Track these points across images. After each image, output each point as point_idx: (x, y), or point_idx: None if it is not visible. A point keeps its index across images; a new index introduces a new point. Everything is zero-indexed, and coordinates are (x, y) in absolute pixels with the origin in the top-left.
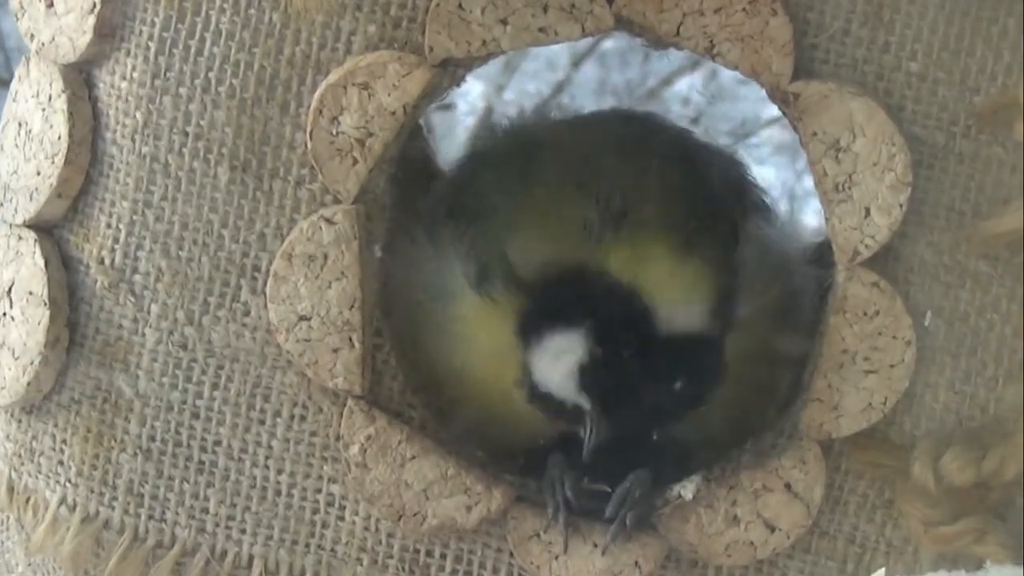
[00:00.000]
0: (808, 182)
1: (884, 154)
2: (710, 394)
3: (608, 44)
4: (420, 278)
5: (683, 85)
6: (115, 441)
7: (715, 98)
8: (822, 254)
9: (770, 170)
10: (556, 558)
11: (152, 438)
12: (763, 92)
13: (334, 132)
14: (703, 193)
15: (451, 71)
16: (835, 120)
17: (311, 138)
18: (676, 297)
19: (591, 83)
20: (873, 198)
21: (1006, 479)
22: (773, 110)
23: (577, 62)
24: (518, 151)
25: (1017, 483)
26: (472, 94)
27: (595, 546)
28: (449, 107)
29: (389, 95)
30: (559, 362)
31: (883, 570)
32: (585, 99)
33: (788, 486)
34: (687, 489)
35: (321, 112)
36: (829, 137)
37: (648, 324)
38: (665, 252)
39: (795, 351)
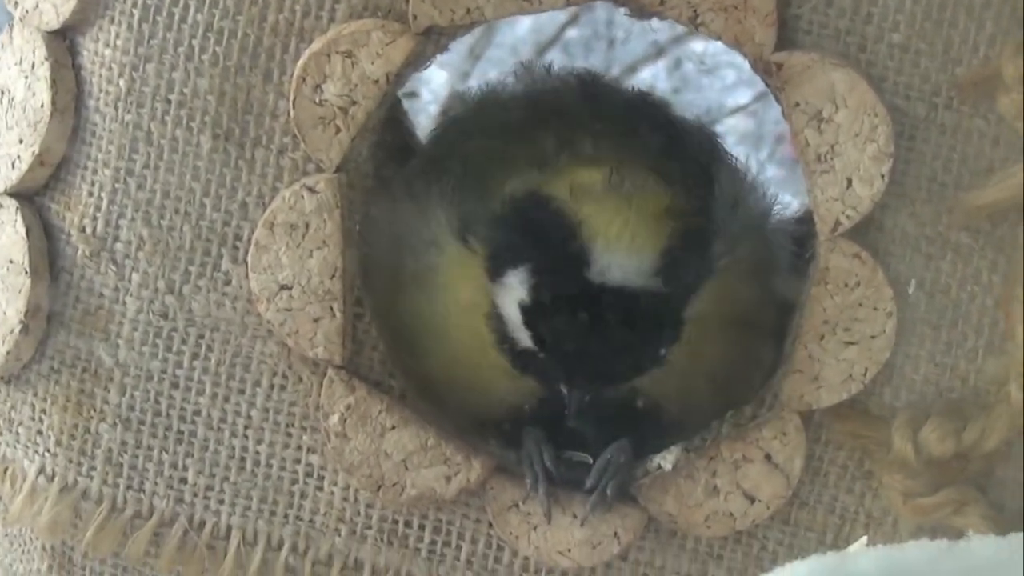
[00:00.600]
0: (770, 171)
1: (866, 125)
2: (656, 353)
3: (573, 32)
4: (400, 238)
5: (647, 74)
6: (94, 411)
7: (679, 87)
8: (803, 225)
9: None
10: (535, 529)
11: (131, 408)
12: (728, 81)
13: (317, 100)
14: (668, 149)
15: (435, 39)
16: (817, 91)
17: (294, 106)
18: (616, 242)
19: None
20: (855, 169)
21: (986, 450)
22: (737, 99)
23: (542, 50)
24: (490, 106)
25: (997, 454)
26: (436, 82)
27: (574, 517)
28: (413, 95)
29: (372, 63)
30: (510, 302)
31: (864, 539)
32: None
33: (768, 457)
34: (667, 460)
35: (304, 80)
36: (811, 108)
37: (585, 266)
38: (611, 192)
39: (777, 322)
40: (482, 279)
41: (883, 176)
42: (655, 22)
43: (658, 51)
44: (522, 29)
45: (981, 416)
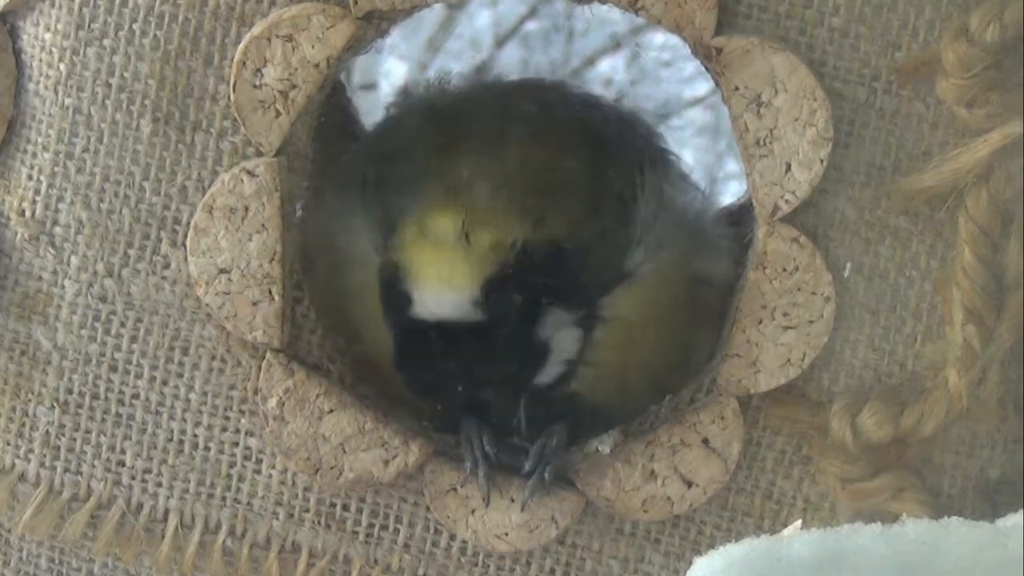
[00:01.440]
0: (729, 164)
1: (805, 109)
2: (523, 374)
3: (531, 25)
4: (335, 236)
5: (605, 66)
6: (32, 394)
7: (637, 79)
8: (743, 211)
9: (690, 152)
10: (473, 512)
11: (70, 391)
12: (685, 73)
13: (257, 84)
14: (547, 176)
15: (376, 23)
16: (757, 75)
17: (234, 90)
18: (433, 281)
19: (514, 63)
20: (794, 153)
21: (924, 435)
22: (695, 91)
23: (500, 42)
24: (423, 120)
25: (935, 439)
26: (395, 74)
27: (512, 501)
28: (372, 87)
29: (313, 47)
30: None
31: (798, 523)
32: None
33: (706, 441)
34: (604, 444)
35: (244, 64)
36: (751, 92)
37: (409, 306)
38: (438, 227)
39: (715, 307)
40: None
41: (822, 160)
42: (615, 14)
43: (616, 43)
44: (481, 21)
45: (919, 401)
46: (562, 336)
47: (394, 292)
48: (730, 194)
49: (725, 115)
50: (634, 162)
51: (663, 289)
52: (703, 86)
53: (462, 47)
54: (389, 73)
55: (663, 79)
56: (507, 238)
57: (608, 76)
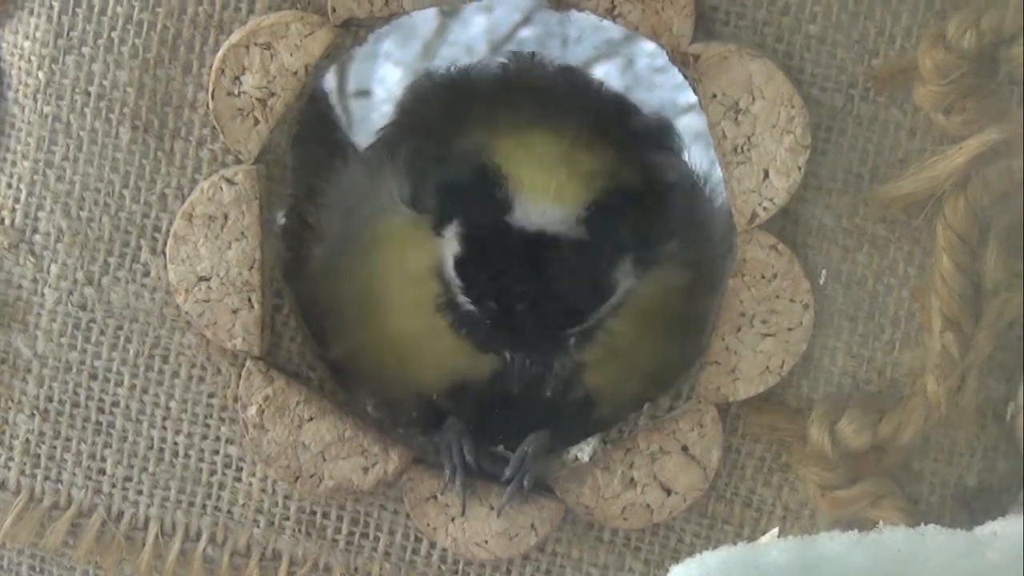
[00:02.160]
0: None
1: (783, 116)
2: (588, 308)
3: (526, 31)
4: (349, 211)
5: (599, 72)
6: (12, 402)
7: (631, 85)
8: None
9: (685, 157)
10: (453, 520)
11: (50, 399)
12: (679, 80)
13: (236, 92)
14: (604, 123)
15: (353, 31)
16: (734, 82)
17: (213, 98)
18: (540, 191)
19: None
20: (771, 160)
21: (902, 443)
22: (689, 97)
23: (495, 48)
24: (448, 88)
25: (913, 447)
26: (390, 81)
27: (492, 508)
28: (366, 94)
29: (291, 55)
30: (448, 257)
31: (775, 530)
32: None
33: (685, 449)
34: (584, 451)
35: (223, 72)
36: (728, 99)
37: (508, 213)
38: (538, 146)
39: (698, 313)
40: (429, 245)
41: (800, 168)
42: (607, 21)
43: (611, 49)
44: (476, 28)
45: (897, 408)
46: (623, 282)
47: (487, 196)
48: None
49: None
50: (659, 154)
51: (675, 289)
52: None
53: (457, 54)
54: (384, 80)
55: (657, 85)
56: (606, 168)
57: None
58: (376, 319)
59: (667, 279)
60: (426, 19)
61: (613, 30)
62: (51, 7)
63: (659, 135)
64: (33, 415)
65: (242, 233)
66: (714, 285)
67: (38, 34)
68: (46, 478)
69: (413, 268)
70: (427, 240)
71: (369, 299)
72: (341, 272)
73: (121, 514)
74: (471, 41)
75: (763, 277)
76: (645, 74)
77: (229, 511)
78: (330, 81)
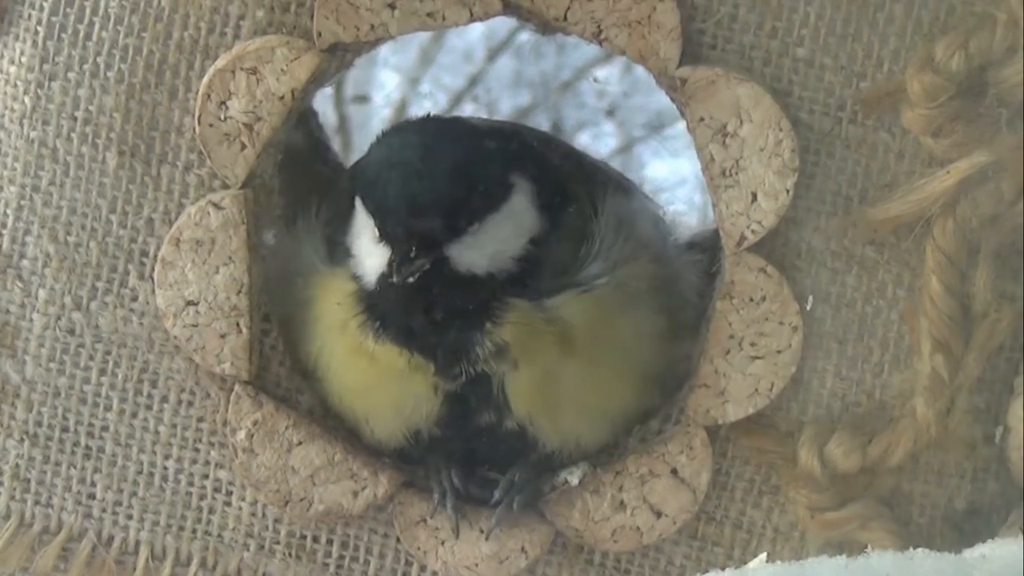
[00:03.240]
0: None
1: (771, 139)
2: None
3: (523, 36)
4: (286, 274)
5: (599, 77)
6: (1, 427)
7: (630, 91)
8: (709, 239)
9: (684, 163)
10: (443, 543)
11: (39, 424)
12: None
13: (222, 117)
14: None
15: (340, 55)
16: (722, 105)
17: (199, 123)
18: None
19: (506, 76)
20: (760, 183)
21: (892, 465)
22: None
23: (492, 55)
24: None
25: (903, 469)
26: (388, 87)
27: (481, 532)
28: (365, 100)
29: (277, 80)
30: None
31: (764, 555)
32: (500, 92)
33: (674, 472)
34: (573, 475)
35: (209, 97)
36: (716, 122)
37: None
38: None
39: (682, 334)
40: (348, 289)
41: (788, 190)
42: None
43: (608, 54)
44: (473, 34)
45: (887, 430)
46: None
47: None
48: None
49: None
50: (596, 186)
51: (620, 303)
52: None
53: (454, 60)
54: (383, 86)
55: (655, 90)
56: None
57: (600, 88)
58: (327, 376)
59: (593, 306)
60: None
61: None
62: (36, 32)
63: (605, 179)
64: (22, 440)
65: (230, 258)
66: (681, 297)
67: (24, 59)
68: (36, 503)
69: (339, 320)
70: (345, 285)
71: (319, 358)
72: (291, 329)
73: (111, 538)
74: (469, 47)
75: (752, 300)
76: (644, 78)
77: (219, 535)
78: (327, 87)
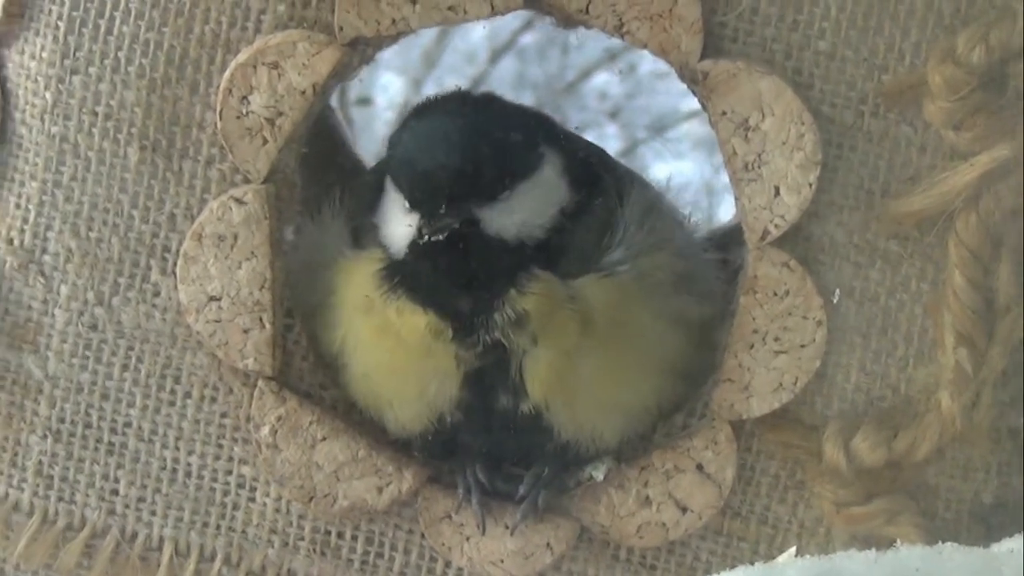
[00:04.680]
0: (725, 177)
1: (793, 133)
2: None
3: (527, 38)
4: (308, 267)
5: (601, 79)
6: (24, 423)
7: (633, 92)
8: (729, 235)
9: (688, 164)
10: (467, 539)
11: (62, 420)
12: (682, 86)
13: (244, 111)
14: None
15: (361, 50)
16: (744, 99)
17: (221, 117)
18: None
19: (510, 77)
20: (782, 177)
21: (917, 459)
22: (691, 104)
23: (496, 56)
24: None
25: (928, 463)
26: (391, 89)
27: (506, 528)
28: (368, 102)
29: (299, 74)
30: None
31: (793, 549)
32: (504, 93)
33: (700, 467)
34: (599, 470)
35: (231, 91)
36: (738, 116)
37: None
38: None
39: (705, 329)
40: (373, 270)
41: (811, 184)
42: None
43: (612, 56)
44: (476, 35)
45: (912, 425)
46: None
47: None
48: (727, 205)
49: None
50: (621, 176)
51: (640, 292)
52: None
53: (458, 61)
54: (386, 88)
55: (658, 92)
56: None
57: (603, 89)
58: (352, 361)
59: (615, 291)
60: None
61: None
62: (57, 27)
63: (626, 175)
64: (45, 436)
65: (252, 253)
66: (702, 292)
67: (44, 54)
68: (60, 499)
69: (366, 303)
70: (371, 268)
71: (343, 344)
72: (314, 322)
73: (135, 535)
74: (472, 48)
75: (775, 294)
76: (647, 80)
77: (243, 531)
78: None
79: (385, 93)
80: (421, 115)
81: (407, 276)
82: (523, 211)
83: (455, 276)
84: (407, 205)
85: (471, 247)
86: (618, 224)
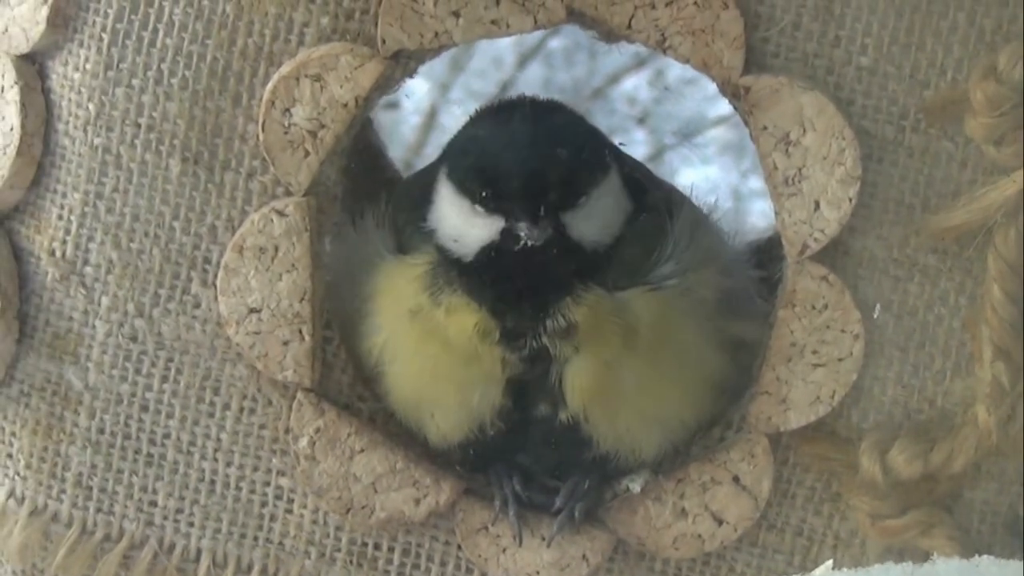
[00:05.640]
0: (753, 182)
1: (834, 148)
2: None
3: (554, 43)
4: (348, 273)
5: (629, 84)
6: (64, 434)
7: (661, 97)
8: (771, 249)
9: (715, 170)
10: (504, 551)
11: (101, 431)
12: (709, 92)
13: (286, 124)
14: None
15: (403, 63)
16: (785, 114)
17: (263, 130)
18: None
19: (537, 82)
20: (823, 192)
21: (953, 472)
22: (719, 110)
23: (523, 61)
24: None
25: (964, 476)
26: (418, 94)
27: (543, 539)
28: (395, 106)
29: (341, 87)
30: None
31: (830, 562)
32: None
33: (736, 479)
34: (635, 482)
35: (273, 104)
36: (779, 131)
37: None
38: None
39: (744, 344)
40: (417, 273)
41: (851, 199)
42: None
43: (640, 62)
44: (504, 41)
45: (948, 438)
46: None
47: None
48: (756, 212)
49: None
50: (670, 192)
51: (686, 308)
52: (727, 105)
53: (485, 66)
54: (413, 92)
55: (687, 97)
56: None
57: (631, 94)
58: (392, 368)
59: (661, 304)
60: None
61: None
62: (101, 39)
63: (673, 192)
64: (85, 447)
65: (293, 265)
66: (744, 309)
67: (88, 66)
68: (98, 510)
69: (414, 306)
70: (418, 276)
71: (383, 351)
72: (352, 331)
73: (173, 546)
74: (499, 53)
75: (814, 308)
76: (675, 86)
77: (281, 543)
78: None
79: (412, 97)
80: (492, 120)
81: (468, 277)
82: (599, 217)
83: (527, 280)
84: (484, 209)
85: (554, 253)
86: (668, 239)
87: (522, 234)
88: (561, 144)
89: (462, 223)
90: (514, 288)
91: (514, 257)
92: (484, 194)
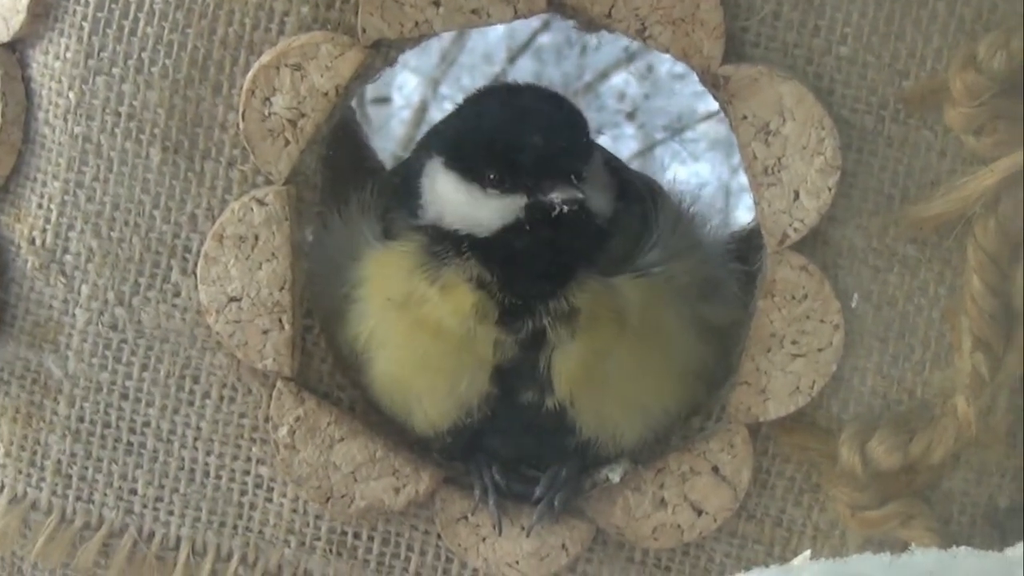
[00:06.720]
0: (743, 177)
1: (813, 137)
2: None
3: (544, 38)
4: (332, 261)
5: (618, 79)
6: (43, 422)
7: (650, 92)
8: (752, 239)
9: (705, 165)
10: (484, 540)
11: (81, 419)
12: (699, 87)
13: (266, 113)
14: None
15: (384, 52)
16: (765, 103)
17: (243, 119)
18: None
19: (528, 77)
20: (802, 181)
21: (933, 463)
22: (708, 105)
23: (513, 56)
24: None
25: (944, 467)
26: (408, 88)
27: (522, 529)
28: (385, 101)
29: (322, 76)
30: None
31: (808, 552)
32: None
33: (715, 469)
34: (615, 472)
35: (253, 93)
36: (759, 120)
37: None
38: None
39: (723, 334)
40: (407, 262)
41: (830, 189)
42: None
43: (629, 57)
44: (494, 35)
45: (928, 428)
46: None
47: None
48: (745, 207)
49: None
50: (650, 182)
51: (671, 295)
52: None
53: (475, 61)
54: (402, 86)
55: (676, 92)
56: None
57: (621, 90)
58: (379, 356)
59: (648, 291)
60: None
61: None
62: (81, 28)
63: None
64: (64, 435)
65: (273, 254)
66: (724, 299)
67: (68, 55)
68: (78, 498)
69: (400, 293)
70: (406, 262)
71: (369, 339)
72: (335, 320)
73: (152, 534)
74: (490, 48)
75: (793, 298)
76: (664, 81)
77: (260, 531)
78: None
79: (402, 92)
80: (479, 108)
81: (479, 254)
82: (600, 188)
83: (547, 256)
84: (499, 191)
85: (575, 223)
86: (653, 227)
87: (556, 202)
88: (557, 116)
89: (473, 209)
90: (528, 267)
91: (540, 232)
92: (496, 176)
